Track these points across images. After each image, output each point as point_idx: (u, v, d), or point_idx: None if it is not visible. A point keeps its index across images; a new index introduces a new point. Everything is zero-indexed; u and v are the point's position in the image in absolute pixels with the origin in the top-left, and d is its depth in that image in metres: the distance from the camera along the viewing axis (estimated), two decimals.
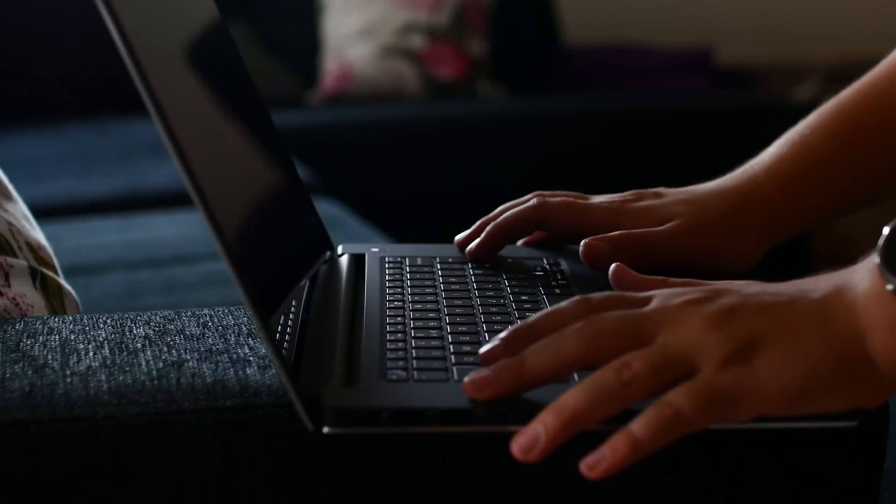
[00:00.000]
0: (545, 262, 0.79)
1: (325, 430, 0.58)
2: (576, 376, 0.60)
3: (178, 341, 0.67)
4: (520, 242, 0.84)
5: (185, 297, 1.25)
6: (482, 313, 0.70)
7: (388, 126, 2.44)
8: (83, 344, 0.67)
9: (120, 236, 1.55)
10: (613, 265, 0.70)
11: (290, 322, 0.68)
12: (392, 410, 0.57)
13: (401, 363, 0.62)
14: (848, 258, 0.62)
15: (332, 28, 2.76)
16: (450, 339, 0.65)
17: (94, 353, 0.65)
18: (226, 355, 0.65)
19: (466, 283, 0.75)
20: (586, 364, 0.58)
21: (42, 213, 1.10)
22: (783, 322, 0.57)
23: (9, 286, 0.81)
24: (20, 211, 0.92)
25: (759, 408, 0.56)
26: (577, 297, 0.61)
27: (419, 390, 0.59)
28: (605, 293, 0.62)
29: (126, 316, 0.72)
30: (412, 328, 0.67)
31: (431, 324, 0.68)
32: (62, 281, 0.88)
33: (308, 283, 0.75)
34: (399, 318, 0.69)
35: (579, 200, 0.80)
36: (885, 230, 0.58)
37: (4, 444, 0.58)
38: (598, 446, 0.55)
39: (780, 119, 2.55)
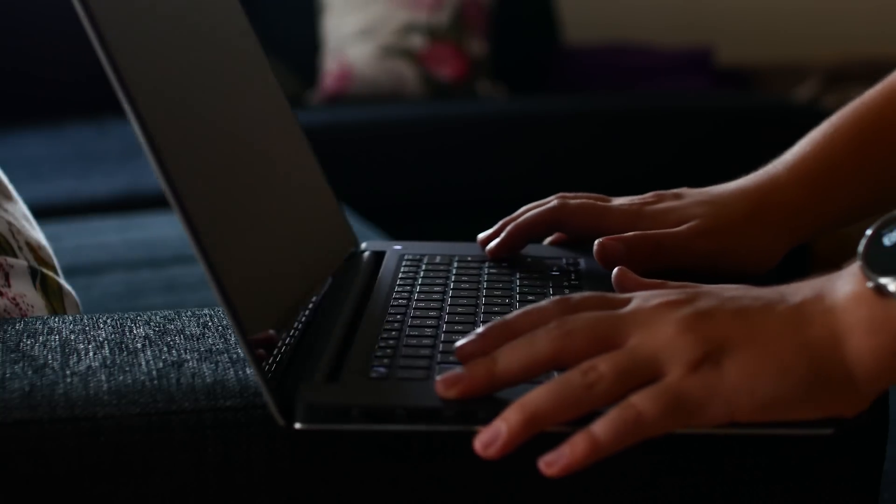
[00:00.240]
0: (564, 261, 0.79)
1: (297, 425, 0.58)
2: (556, 375, 0.60)
3: (178, 341, 0.67)
4: (545, 242, 0.84)
5: (185, 297, 1.26)
6: (483, 312, 0.70)
7: (388, 126, 2.44)
8: (83, 344, 0.67)
9: (120, 236, 1.55)
10: (616, 268, 0.70)
11: (303, 318, 0.68)
12: (362, 408, 0.57)
13: (386, 361, 0.62)
14: (848, 259, 0.62)
15: (332, 28, 2.76)
16: (441, 338, 0.65)
17: (94, 353, 0.65)
18: (226, 355, 0.65)
19: (478, 282, 0.75)
20: (557, 365, 0.58)
21: (42, 213, 1.10)
22: (757, 328, 0.57)
23: (9, 286, 0.81)
24: (20, 211, 0.92)
25: (726, 414, 0.56)
26: (556, 297, 0.61)
27: (395, 388, 0.60)
28: (586, 293, 0.61)
29: (126, 316, 0.72)
30: (409, 326, 0.67)
31: (429, 322, 0.68)
32: (62, 281, 0.88)
33: (332, 279, 0.75)
34: (399, 316, 0.69)
35: (599, 202, 0.80)
36: (868, 231, 0.57)
37: (4, 444, 0.58)
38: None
39: (780, 119, 2.55)
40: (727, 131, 2.52)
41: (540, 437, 0.56)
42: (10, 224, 0.87)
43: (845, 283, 0.57)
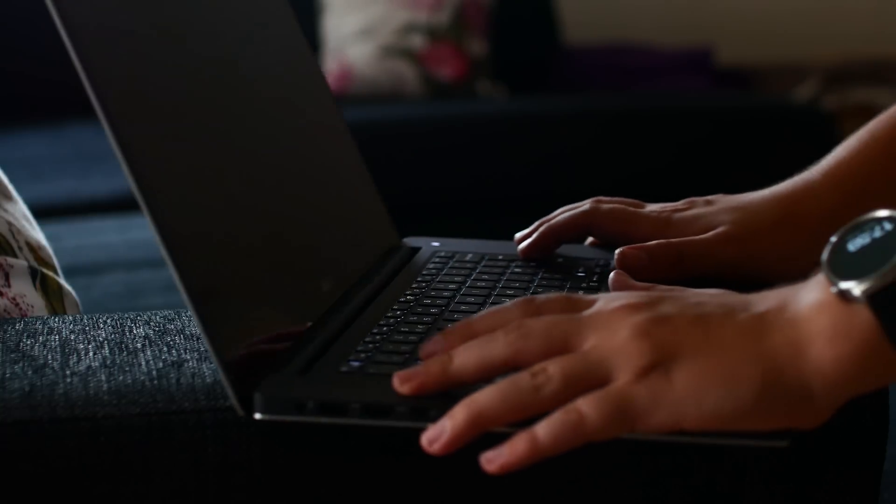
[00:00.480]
0: (594, 263, 0.79)
1: (257, 416, 0.58)
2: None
3: (178, 341, 0.67)
4: (585, 243, 0.84)
5: None
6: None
7: (388, 126, 2.44)
8: (83, 344, 0.67)
9: (120, 236, 1.55)
10: (612, 273, 0.70)
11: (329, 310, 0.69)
12: (317, 401, 0.58)
13: (364, 355, 0.63)
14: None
15: (332, 28, 2.76)
16: (430, 335, 0.65)
17: (94, 353, 0.65)
18: None
19: (496, 281, 0.76)
20: (513, 366, 0.58)
21: (42, 213, 1.10)
22: (712, 336, 0.56)
23: (9, 286, 0.81)
24: (20, 211, 0.92)
25: (673, 422, 0.55)
26: (520, 298, 0.61)
27: (357, 383, 0.60)
28: (551, 294, 0.61)
29: (126, 316, 0.72)
30: (406, 321, 0.67)
31: (426, 319, 0.68)
32: (62, 281, 0.88)
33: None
34: (399, 312, 0.69)
35: (631, 208, 0.80)
36: (833, 238, 0.57)
37: (4, 444, 0.58)
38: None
39: (780, 119, 2.54)
40: (727, 131, 2.52)
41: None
42: (10, 224, 0.87)
43: (809, 292, 0.56)
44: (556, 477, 0.62)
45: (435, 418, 0.57)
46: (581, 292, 0.73)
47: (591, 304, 0.60)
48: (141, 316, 0.72)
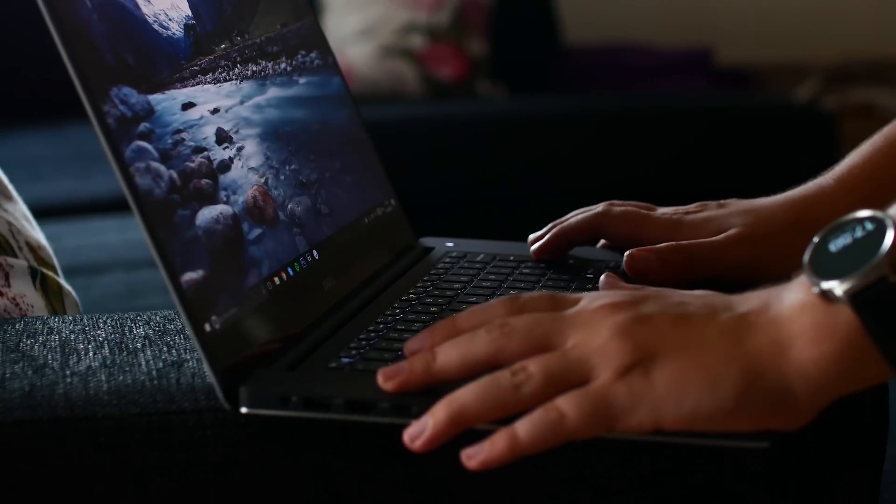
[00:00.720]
0: (605, 265, 0.79)
1: (243, 410, 0.59)
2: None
3: (178, 341, 0.67)
4: (598, 245, 0.84)
5: None
6: None
7: (388, 126, 2.44)
8: (83, 344, 0.67)
9: (120, 236, 1.55)
10: (603, 275, 0.71)
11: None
12: (300, 396, 0.58)
13: (355, 352, 0.63)
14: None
15: (332, 28, 2.76)
16: None
17: (94, 353, 0.65)
18: None
19: (502, 281, 0.76)
20: (495, 364, 0.58)
21: (42, 213, 1.10)
22: (693, 336, 0.56)
23: (9, 286, 0.81)
24: (20, 211, 0.92)
25: (652, 422, 0.55)
26: (504, 297, 0.61)
27: (343, 379, 0.60)
28: (535, 293, 0.62)
29: (126, 316, 0.72)
30: (403, 320, 0.67)
31: (423, 317, 0.68)
32: (62, 281, 0.88)
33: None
34: (399, 310, 0.69)
35: (643, 211, 0.80)
36: (815, 239, 0.57)
37: (4, 444, 0.58)
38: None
39: (780, 119, 2.55)
40: (727, 131, 2.52)
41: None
42: (10, 224, 0.87)
43: (792, 292, 0.56)
44: (555, 476, 0.62)
45: (417, 415, 0.57)
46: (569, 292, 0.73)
47: (574, 302, 0.60)
48: (141, 316, 0.72)
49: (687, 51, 2.94)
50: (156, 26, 0.65)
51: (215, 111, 0.67)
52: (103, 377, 0.62)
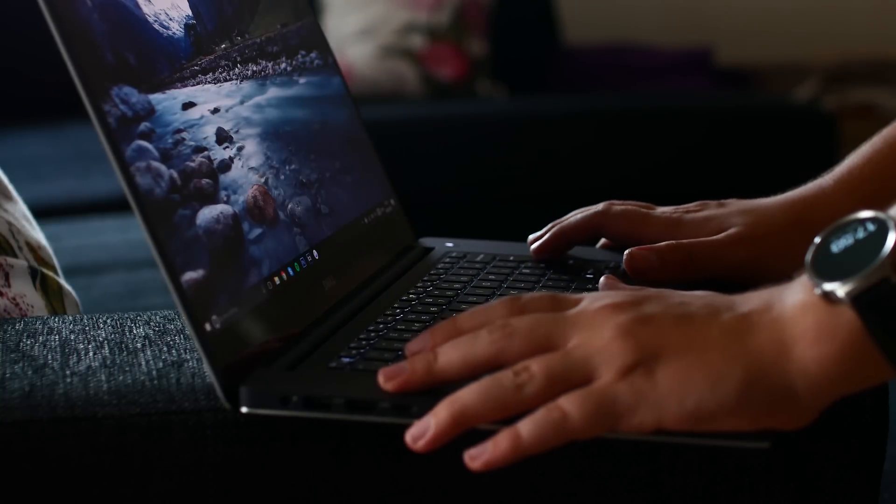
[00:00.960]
0: (605, 265, 0.79)
1: (243, 409, 0.59)
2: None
3: (178, 341, 0.67)
4: (598, 245, 0.84)
5: None
6: None
7: (388, 126, 2.44)
8: (83, 344, 0.67)
9: (120, 236, 1.55)
10: (603, 276, 0.71)
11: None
12: (301, 396, 0.58)
13: (355, 351, 0.63)
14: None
15: (332, 28, 2.76)
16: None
17: (94, 353, 0.65)
18: None
19: (502, 281, 0.76)
20: (496, 365, 0.58)
21: (42, 213, 1.10)
22: (695, 336, 0.56)
23: (9, 286, 0.81)
24: (20, 211, 0.92)
25: (654, 421, 0.55)
26: (506, 297, 0.61)
27: (343, 379, 0.60)
28: (536, 293, 0.62)
29: (126, 316, 0.72)
30: (403, 320, 0.67)
31: (424, 317, 0.68)
32: (62, 281, 0.88)
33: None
34: (399, 310, 0.69)
35: (643, 210, 0.80)
36: (817, 239, 0.57)
37: (4, 444, 0.58)
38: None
39: (780, 119, 2.55)
40: (727, 131, 2.52)
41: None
42: (10, 224, 0.87)
43: (794, 293, 0.56)
44: (555, 476, 0.62)
45: (418, 415, 0.57)
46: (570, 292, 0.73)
47: (575, 303, 0.60)
48: (141, 316, 0.72)
49: (687, 51, 2.94)
50: (156, 26, 0.65)
51: (215, 111, 0.67)
52: (103, 377, 0.62)
